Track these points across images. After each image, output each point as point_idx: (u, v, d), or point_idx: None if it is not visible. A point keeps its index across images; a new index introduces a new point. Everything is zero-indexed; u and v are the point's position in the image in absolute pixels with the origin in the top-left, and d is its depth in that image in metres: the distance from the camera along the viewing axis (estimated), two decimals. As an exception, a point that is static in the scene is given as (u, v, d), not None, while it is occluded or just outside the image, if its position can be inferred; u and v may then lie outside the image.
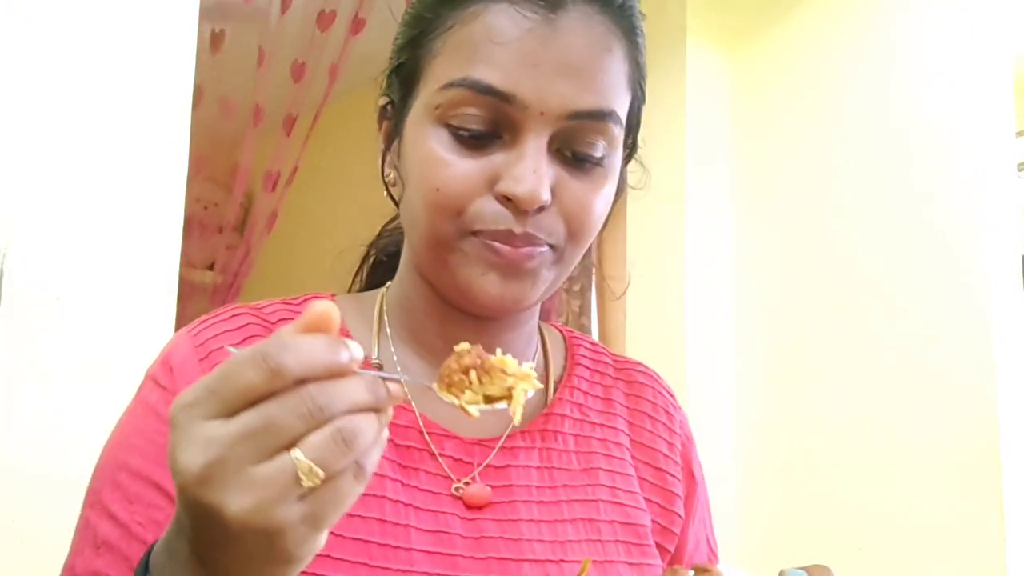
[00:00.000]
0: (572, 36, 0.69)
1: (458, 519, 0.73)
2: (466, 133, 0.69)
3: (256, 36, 2.75)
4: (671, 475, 0.85)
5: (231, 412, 0.45)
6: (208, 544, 0.47)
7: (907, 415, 2.03)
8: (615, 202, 0.81)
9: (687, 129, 2.40)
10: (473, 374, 0.54)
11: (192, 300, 2.85)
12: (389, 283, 0.84)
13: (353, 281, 0.91)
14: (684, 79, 2.42)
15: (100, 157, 1.34)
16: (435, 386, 0.55)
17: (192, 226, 3.01)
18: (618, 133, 0.73)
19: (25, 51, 1.29)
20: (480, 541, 0.72)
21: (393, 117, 0.78)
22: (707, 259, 2.40)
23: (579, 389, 0.85)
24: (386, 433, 0.49)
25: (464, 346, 0.56)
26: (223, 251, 3.10)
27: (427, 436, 0.75)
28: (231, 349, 0.49)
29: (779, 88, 2.41)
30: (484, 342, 0.74)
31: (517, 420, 0.57)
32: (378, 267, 0.91)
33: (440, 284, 0.74)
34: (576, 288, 2.59)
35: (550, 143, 0.70)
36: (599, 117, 0.70)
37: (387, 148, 0.80)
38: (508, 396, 0.55)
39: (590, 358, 0.88)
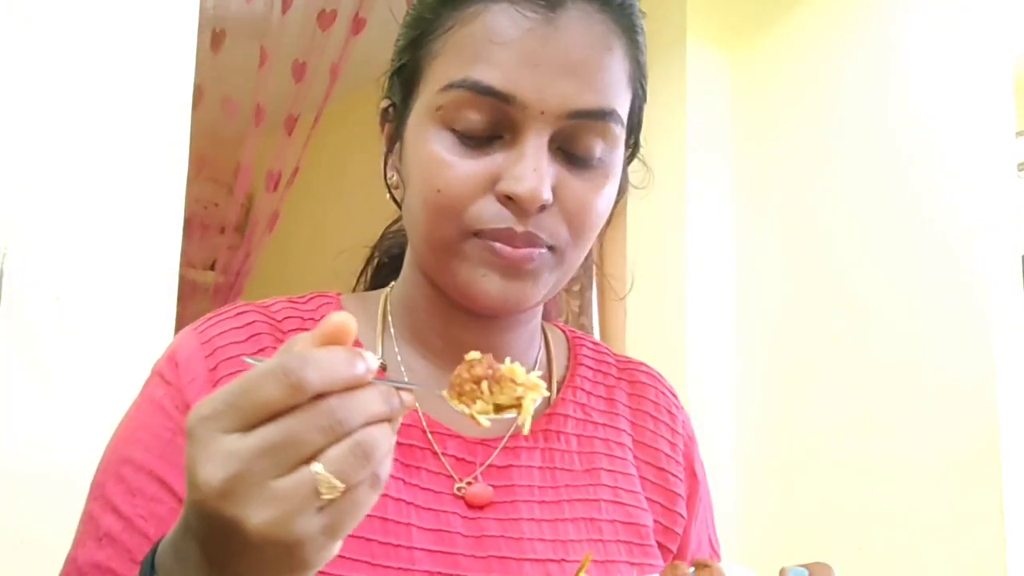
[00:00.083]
0: (572, 35, 0.69)
1: (459, 518, 0.73)
2: (467, 134, 0.69)
3: (257, 36, 2.75)
4: (673, 475, 0.85)
5: (251, 426, 0.46)
6: (225, 554, 0.47)
7: (907, 415, 2.03)
8: (617, 202, 0.81)
9: (687, 129, 2.40)
10: (484, 385, 0.54)
11: (194, 300, 2.85)
12: (393, 283, 0.84)
13: (357, 282, 0.92)
14: (684, 79, 2.42)
15: (100, 157, 1.34)
16: (445, 394, 0.55)
17: (193, 226, 3.02)
18: (619, 132, 0.73)
19: (25, 51, 1.29)
20: (481, 540, 0.73)
21: (394, 119, 0.78)
22: (707, 258, 2.40)
23: (582, 389, 0.85)
24: (394, 439, 0.49)
25: (475, 355, 0.56)
26: (224, 251, 3.10)
27: (430, 435, 0.76)
28: (249, 360, 0.49)
29: (779, 88, 2.41)
30: (487, 342, 0.75)
31: (527, 431, 0.57)
32: (382, 268, 0.91)
33: (442, 285, 0.74)
34: (576, 288, 2.59)
35: (551, 143, 0.70)
36: (599, 116, 0.70)
37: (389, 150, 0.80)
38: (517, 405, 0.55)
39: (593, 358, 0.88)
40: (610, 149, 0.73)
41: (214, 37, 2.72)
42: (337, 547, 0.48)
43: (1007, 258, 1.99)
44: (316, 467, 0.45)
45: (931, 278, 2.03)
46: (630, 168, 0.83)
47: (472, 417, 0.54)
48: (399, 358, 0.79)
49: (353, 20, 2.72)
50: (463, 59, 0.70)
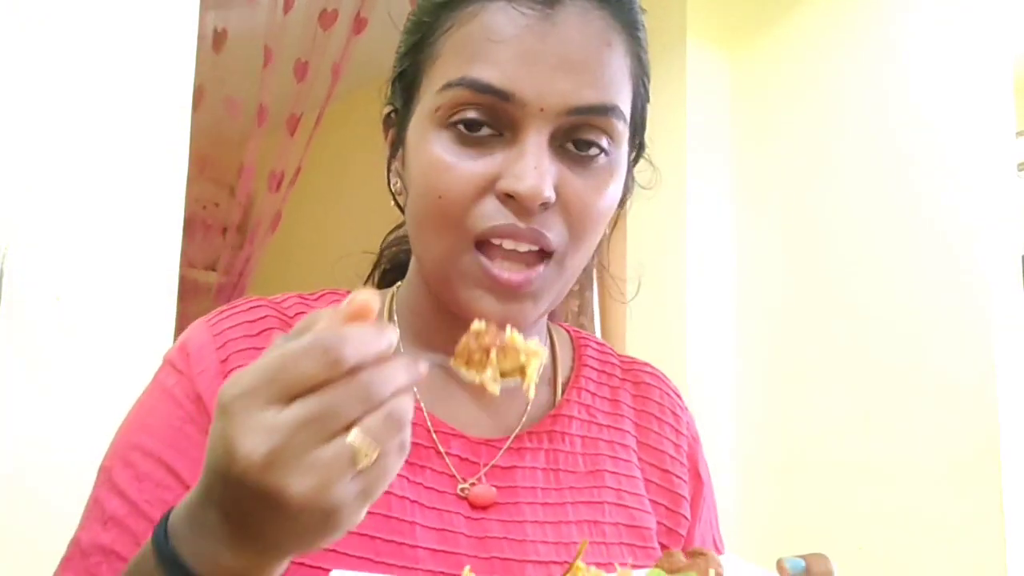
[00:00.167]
0: (570, 31, 0.69)
1: (462, 518, 0.73)
2: (467, 134, 0.69)
3: (259, 35, 2.76)
4: (677, 477, 0.84)
5: (289, 399, 0.47)
6: (259, 523, 0.49)
7: (907, 415, 2.03)
8: (622, 204, 0.79)
9: (687, 129, 2.40)
10: (493, 352, 0.56)
11: (196, 300, 2.85)
12: (399, 283, 0.84)
13: (365, 284, 0.92)
14: (684, 79, 2.42)
15: (100, 157, 1.34)
16: (453, 363, 0.57)
17: (195, 226, 3.02)
18: (622, 128, 0.72)
19: (25, 51, 1.29)
20: (484, 541, 0.73)
21: (396, 125, 0.78)
22: (707, 258, 2.40)
23: (587, 390, 0.85)
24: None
25: (479, 325, 0.58)
26: (227, 251, 3.10)
27: (434, 435, 0.76)
28: (280, 339, 0.51)
29: (779, 88, 2.41)
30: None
31: (532, 393, 0.59)
32: (387, 273, 0.91)
33: (444, 300, 0.74)
34: (575, 288, 2.58)
35: (552, 140, 0.69)
36: (601, 112, 0.70)
37: (392, 156, 0.79)
38: (520, 372, 0.57)
39: (597, 359, 0.88)
40: (613, 146, 0.72)
41: (216, 37, 2.72)
42: (365, 512, 0.50)
43: (1007, 258, 1.99)
44: (353, 436, 0.47)
45: (931, 278, 2.03)
46: (635, 169, 0.83)
47: (482, 384, 0.56)
48: None
49: (354, 20, 2.72)
50: (461, 59, 0.70)
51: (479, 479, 0.75)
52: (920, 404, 2.01)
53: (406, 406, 0.50)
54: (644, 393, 0.87)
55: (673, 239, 2.38)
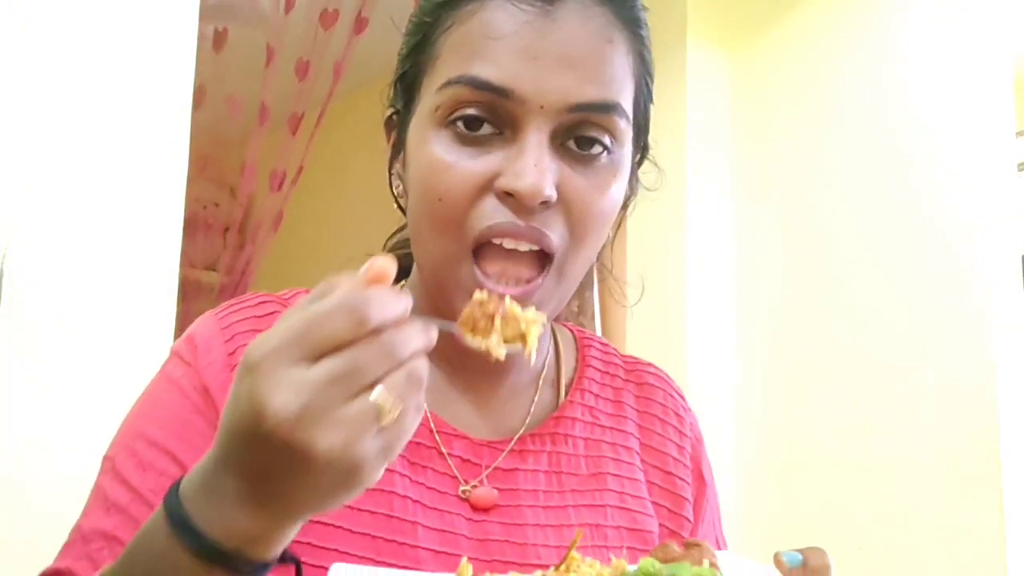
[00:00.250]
0: (570, 27, 0.68)
1: (464, 520, 0.73)
2: (466, 132, 0.68)
3: (260, 34, 2.76)
4: (680, 479, 0.84)
5: (316, 357, 0.48)
6: (283, 480, 0.49)
7: (907, 415, 2.03)
8: (625, 207, 0.79)
9: (687, 128, 2.40)
10: (498, 319, 0.58)
11: (198, 300, 2.86)
12: (404, 282, 0.84)
13: None
14: (684, 79, 2.42)
15: (100, 157, 1.34)
16: (458, 327, 0.59)
17: (197, 226, 3.02)
18: (624, 127, 0.71)
19: (25, 51, 1.29)
20: (485, 544, 0.72)
21: (398, 126, 0.77)
22: (707, 258, 2.40)
23: (590, 392, 0.84)
24: None
25: (481, 295, 0.60)
26: (228, 251, 3.11)
27: (437, 435, 0.75)
28: (303, 301, 0.52)
29: (779, 88, 2.41)
30: None
31: (533, 359, 0.60)
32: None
33: (438, 304, 0.73)
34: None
35: (553, 139, 0.68)
36: (602, 109, 0.69)
37: (393, 158, 0.79)
38: (521, 339, 0.59)
39: (601, 359, 0.87)
40: (616, 146, 0.71)
41: (216, 36, 2.72)
42: (383, 471, 0.51)
43: (1007, 258, 1.99)
44: (376, 394, 0.48)
45: (931, 277, 2.03)
46: (639, 170, 0.82)
47: (488, 349, 0.58)
48: None
49: (356, 20, 2.73)
50: (461, 57, 0.69)
51: (481, 481, 0.75)
52: (920, 404, 2.01)
53: (423, 367, 0.51)
54: (647, 394, 0.87)
55: (673, 239, 2.38)
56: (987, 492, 1.87)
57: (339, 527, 0.69)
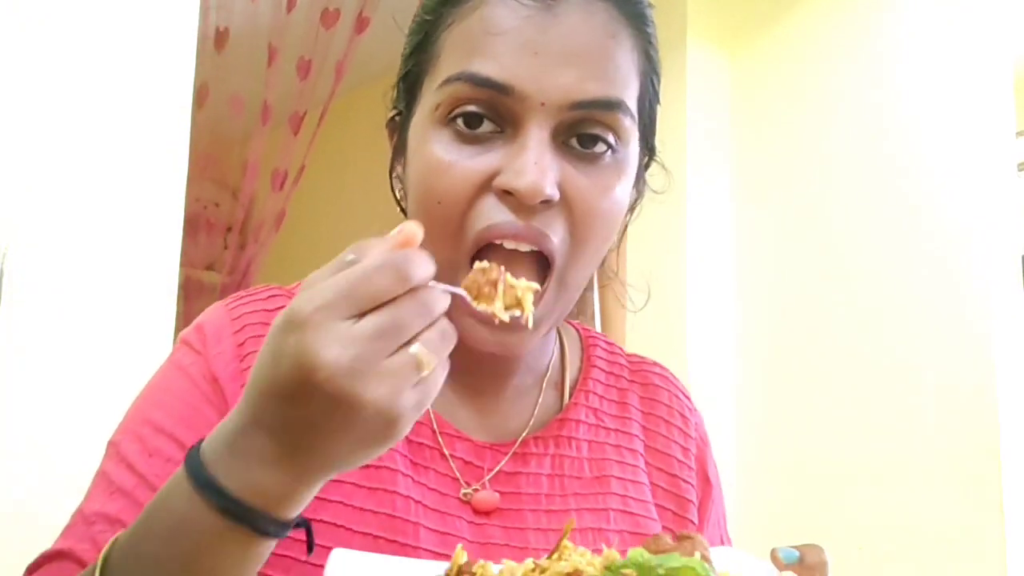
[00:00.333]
0: (573, 23, 0.67)
1: (465, 523, 0.72)
2: (466, 130, 0.67)
3: (261, 33, 2.76)
4: (685, 481, 0.82)
5: (362, 313, 0.50)
6: (323, 433, 0.50)
7: (907, 415, 2.03)
8: (631, 211, 0.77)
9: (687, 128, 2.40)
10: (501, 285, 0.60)
11: (200, 300, 2.86)
12: None
13: None
14: (684, 79, 2.42)
15: (100, 157, 1.34)
16: (463, 290, 0.60)
17: (199, 226, 3.02)
18: (629, 125, 0.70)
19: (25, 51, 1.29)
20: (486, 548, 0.71)
21: (399, 127, 0.76)
22: (707, 258, 2.40)
23: (595, 393, 0.83)
24: None
25: (483, 263, 0.61)
26: (230, 251, 3.11)
27: (440, 437, 0.74)
28: (345, 258, 0.53)
29: (779, 88, 2.41)
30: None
31: (532, 324, 0.61)
32: None
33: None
34: (575, 287, 2.58)
35: (556, 137, 0.67)
36: (605, 106, 0.67)
37: (395, 160, 0.78)
38: (517, 305, 0.61)
39: (606, 359, 0.86)
40: (621, 145, 0.69)
41: (218, 36, 2.72)
42: (413, 424, 0.52)
43: (1007, 258, 1.99)
44: (417, 348, 0.51)
45: (931, 277, 2.03)
46: (646, 173, 0.80)
47: (494, 314, 0.59)
48: None
49: (357, 19, 2.73)
50: (461, 54, 0.68)
51: (483, 484, 0.74)
52: (920, 404, 2.01)
53: (450, 325, 0.53)
54: (652, 395, 0.85)
55: (673, 239, 2.37)
56: (987, 492, 1.87)
57: (341, 526, 0.68)
